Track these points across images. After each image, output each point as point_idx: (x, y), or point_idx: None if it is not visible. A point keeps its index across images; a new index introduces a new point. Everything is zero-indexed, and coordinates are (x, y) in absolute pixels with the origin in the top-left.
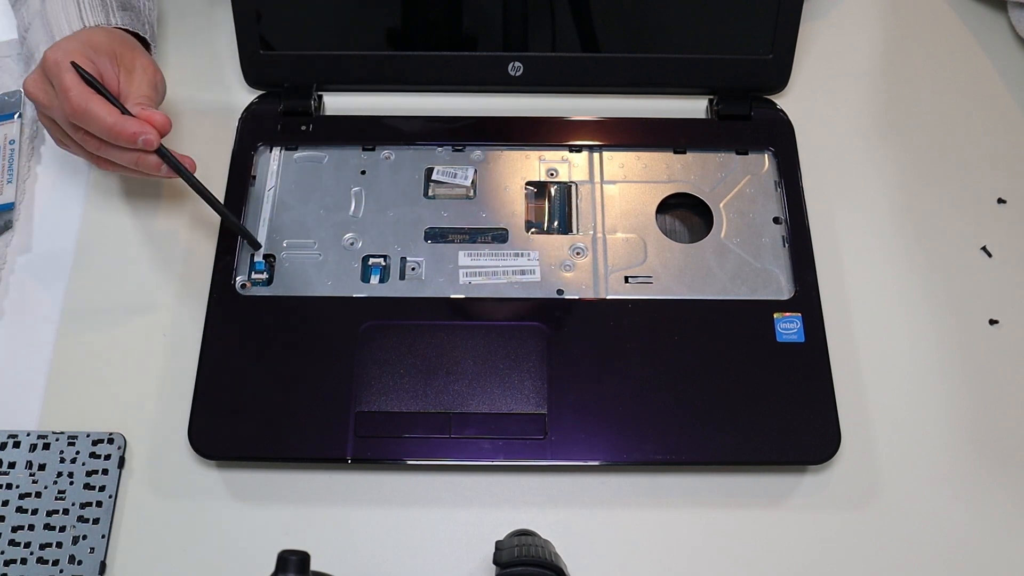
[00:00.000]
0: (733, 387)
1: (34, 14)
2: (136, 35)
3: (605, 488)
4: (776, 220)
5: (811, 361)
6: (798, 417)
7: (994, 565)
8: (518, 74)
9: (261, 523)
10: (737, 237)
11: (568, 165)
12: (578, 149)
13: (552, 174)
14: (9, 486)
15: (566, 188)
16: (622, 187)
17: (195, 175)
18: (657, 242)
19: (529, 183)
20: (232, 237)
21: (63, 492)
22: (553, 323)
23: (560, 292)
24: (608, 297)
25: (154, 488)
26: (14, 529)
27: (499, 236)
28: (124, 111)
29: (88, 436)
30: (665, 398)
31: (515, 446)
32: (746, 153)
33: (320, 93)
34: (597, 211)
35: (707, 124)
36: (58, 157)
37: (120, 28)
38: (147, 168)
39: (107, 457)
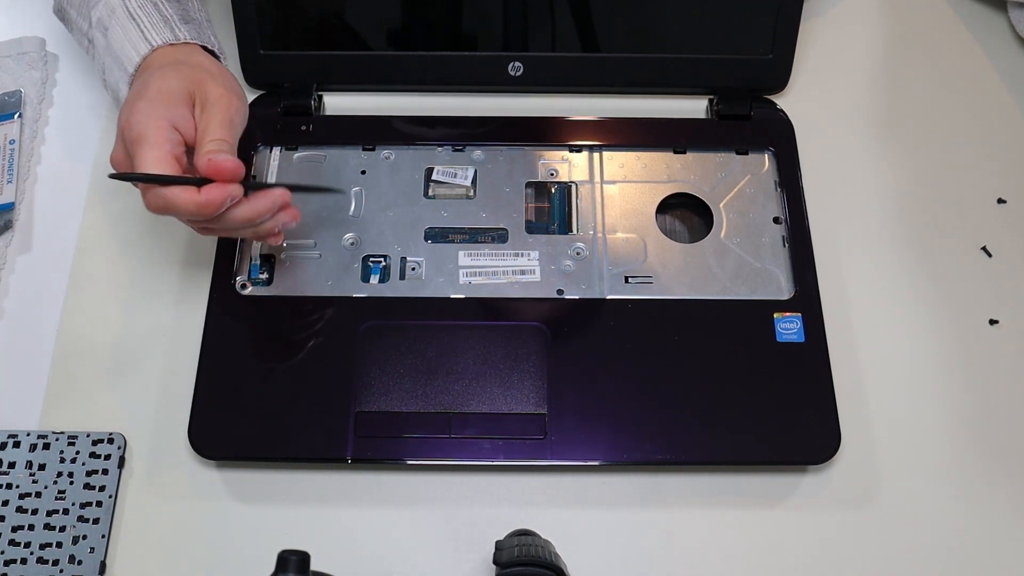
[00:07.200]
0: (733, 387)
1: (103, 53)
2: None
3: (605, 488)
4: (776, 220)
5: (811, 361)
6: (798, 417)
7: (994, 565)
8: (518, 74)
9: (261, 523)
10: (737, 237)
11: (568, 165)
12: (578, 149)
13: (552, 174)
14: (9, 486)
15: (566, 188)
16: (622, 187)
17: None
18: (657, 242)
19: (529, 183)
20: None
21: (63, 492)
22: (553, 323)
23: (560, 292)
24: (608, 297)
25: (154, 488)
26: (14, 529)
27: (499, 236)
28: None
29: (88, 436)
30: (665, 398)
31: (515, 446)
32: (746, 153)
33: (320, 93)
34: (597, 211)
35: (707, 124)
36: (58, 157)
37: (189, 43)
38: (270, 239)
39: (107, 457)
